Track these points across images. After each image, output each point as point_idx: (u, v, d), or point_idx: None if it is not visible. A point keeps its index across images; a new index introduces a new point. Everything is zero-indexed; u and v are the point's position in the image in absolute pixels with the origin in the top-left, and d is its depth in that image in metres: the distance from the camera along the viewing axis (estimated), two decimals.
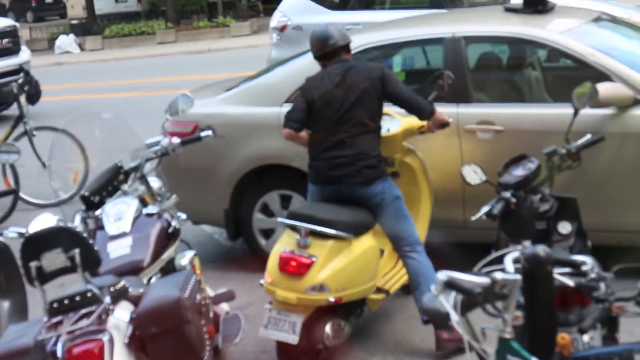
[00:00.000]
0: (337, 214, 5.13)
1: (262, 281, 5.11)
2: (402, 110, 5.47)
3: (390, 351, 5.37)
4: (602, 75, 5.75)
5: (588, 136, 4.98)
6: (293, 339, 4.91)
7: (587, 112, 5.34)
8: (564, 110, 5.37)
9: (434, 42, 6.54)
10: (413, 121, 5.57)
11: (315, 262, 4.95)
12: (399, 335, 5.53)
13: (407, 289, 5.50)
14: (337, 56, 5.43)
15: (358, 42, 6.59)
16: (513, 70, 6.87)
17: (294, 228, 5.08)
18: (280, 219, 5.41)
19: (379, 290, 5.38)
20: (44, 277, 3.87)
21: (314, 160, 5.41)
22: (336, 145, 5.26)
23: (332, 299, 4.95)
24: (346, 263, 5.03)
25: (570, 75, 6.24)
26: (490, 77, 6.75)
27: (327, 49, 5.43)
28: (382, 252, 5.59)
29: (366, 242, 5.18)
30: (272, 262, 5.07)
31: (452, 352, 5.16)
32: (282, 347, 5.06)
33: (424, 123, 5.52)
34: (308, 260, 4.95)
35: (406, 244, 5.30)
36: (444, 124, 5.51)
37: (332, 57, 5.43)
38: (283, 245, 5.09)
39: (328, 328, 5.03)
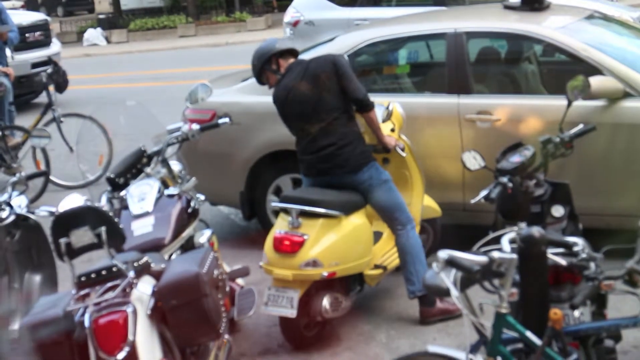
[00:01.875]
0: (326, 194, 5.13)
1: (261, 263, 5.13)
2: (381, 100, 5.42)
3: (393, 325, 5.37)
4: (594, 69, 5.73)
5: (580, 126, 4.96)
6: (291, 312, 4.92)
7: (579, 103, 5.32)
8: (558, 102, 5.35)
9: (437, 37, 6.51)
10: (396, 111, 5.58)
11: (307, 239, 4.96)
12: (401, 310, 5.53)
13: None
14: (286, 60, 5.32)
15: (366, 37, 6.59)
16: (511, 64, 6.83)
17: (287, 212, 5.08)
18: (273, 204, 5.42)
19: (376, 266, 5.38)
20: (73, 252, 3.88)
21: (302, 154, 5.36)
22: (319, 136, 5.21)
23: (325, 274, 4.96)
24: (337, 239, 5.03)
25: (564, 69, 6.21)
26: (489, 70, 6.72)
27: (266, 56, 5.30)
28: (381, 234, 5.59)
29: (356, 220, 5.16)
30: (268, 244, 5.09)
31: (439, 319, 5.26)
32: (284, 322, 5.08)
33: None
34: (300, 239, 4.96)
35: (398, 223, 5.28)
36: (387, 148, 5.41)
37: (279, 66, 5.30)
38: (277, 227, 5.10)
39: (325, 302, 5.02)
